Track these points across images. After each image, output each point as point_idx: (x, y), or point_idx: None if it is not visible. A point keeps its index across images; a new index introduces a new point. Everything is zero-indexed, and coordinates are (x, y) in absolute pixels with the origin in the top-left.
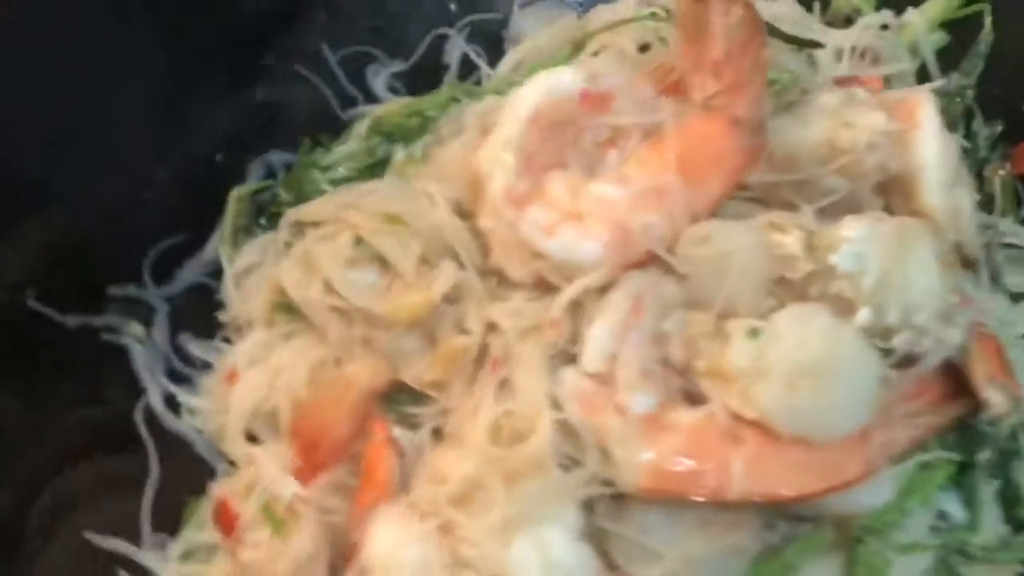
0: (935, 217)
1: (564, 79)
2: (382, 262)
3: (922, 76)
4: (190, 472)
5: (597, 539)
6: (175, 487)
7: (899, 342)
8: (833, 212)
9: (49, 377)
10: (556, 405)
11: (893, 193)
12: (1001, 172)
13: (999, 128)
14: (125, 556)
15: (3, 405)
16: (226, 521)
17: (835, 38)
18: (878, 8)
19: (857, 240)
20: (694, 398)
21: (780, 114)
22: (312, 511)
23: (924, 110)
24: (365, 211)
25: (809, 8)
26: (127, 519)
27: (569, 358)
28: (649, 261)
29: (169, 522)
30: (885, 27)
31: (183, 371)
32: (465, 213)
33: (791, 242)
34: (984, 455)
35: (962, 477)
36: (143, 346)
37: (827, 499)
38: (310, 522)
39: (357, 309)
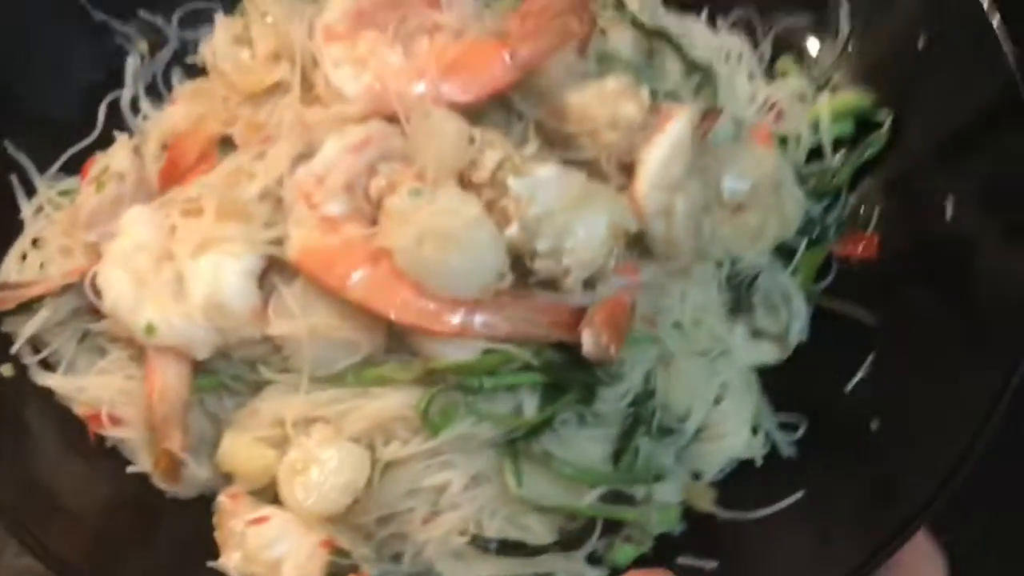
0: (635, 202)
1: None
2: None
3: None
4: None
5: (269, 291)
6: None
7: (539, 266)
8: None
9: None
10: (279, 182)
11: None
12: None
13: (846, 213)
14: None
15: None
16: (84, 172)
17: (757, 87)
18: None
19: (540, 178)
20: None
21: (578, 77)
22: (122, 184)
23: (673, 122)
24: (256, 2)
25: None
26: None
27: None
28: (394, 119)
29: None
30: (802, 96)
31: (161, 91)
32: None
33: (489, 154)
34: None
35: (552, 392)
36: (141, 61)
37: (422, 339)
38: (112, 189)
39: (226, 74)
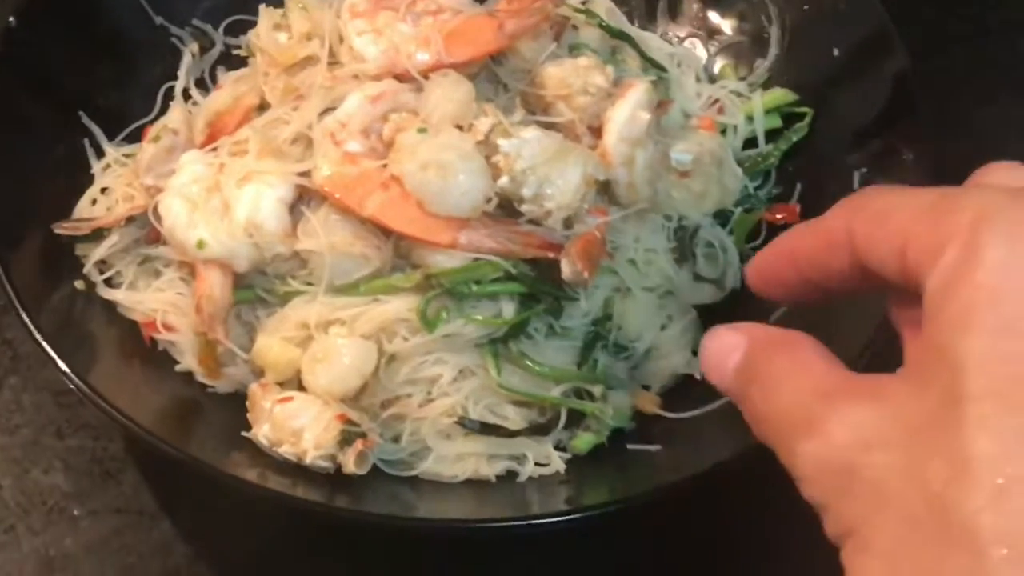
0: (605, 154)
1: None
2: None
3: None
4: None
5: (298, 217)
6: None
7: (525, 209)
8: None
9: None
10: (309, 127)
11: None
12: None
13: (775, 191)
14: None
15: None
16: (144, 135)
17: (702, 87)
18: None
19: (524, 138)
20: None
21: (554, 57)
22: (176, 137)
23: (632, 90)
24: (293, 1)
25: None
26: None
27: None
28: (407, 77)
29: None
30: (739, 94)
31: (208, 85)
32: None
33: (482, 121)
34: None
35: (527, 303)
36: (192, 59)
37: (420, 249)
38: (167, 140)
39: (266, 51)
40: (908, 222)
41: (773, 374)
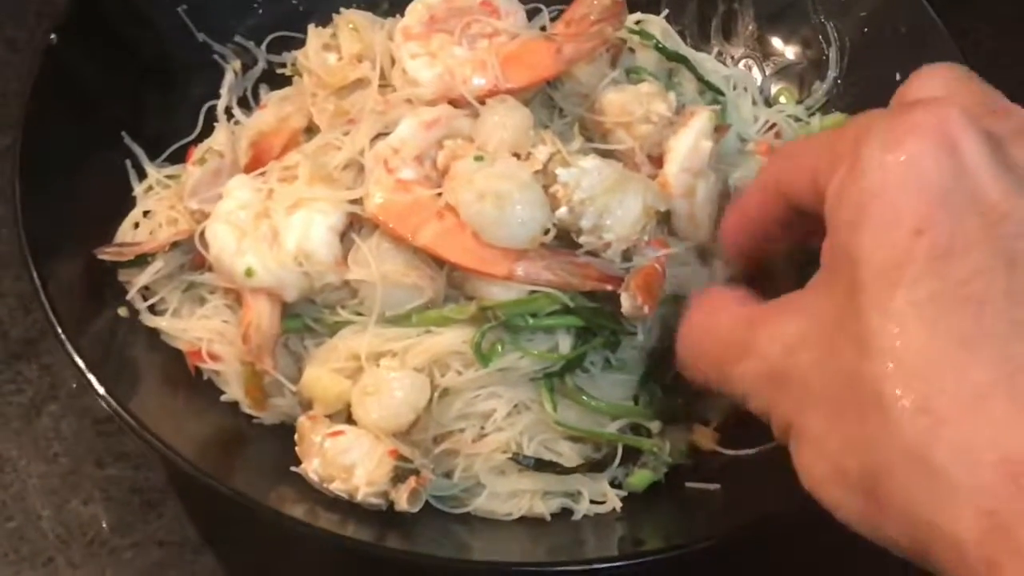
0: (665, 184)
1: None
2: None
3: None
4: None
5: (349, 246)
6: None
7: (584, 240)
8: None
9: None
10: (361, 153)
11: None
12: None
13: None
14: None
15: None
16: (188, 156)
17: (759, 110)
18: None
19: (583, 167)
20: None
21: (613, 83)
22: (222, 160)
23: (695, 119)
24: (345, 16)
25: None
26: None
27: None
28: (462, 102)
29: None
30: (797, 118)
31: (251, 104)
32: None
33: (540, 149)
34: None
35: (583, 336)
36: (234, 76)
37: (475, 280)
38: (212, 163)
39: (315, 72)
40: (814, 157)
41: (696, 325)
